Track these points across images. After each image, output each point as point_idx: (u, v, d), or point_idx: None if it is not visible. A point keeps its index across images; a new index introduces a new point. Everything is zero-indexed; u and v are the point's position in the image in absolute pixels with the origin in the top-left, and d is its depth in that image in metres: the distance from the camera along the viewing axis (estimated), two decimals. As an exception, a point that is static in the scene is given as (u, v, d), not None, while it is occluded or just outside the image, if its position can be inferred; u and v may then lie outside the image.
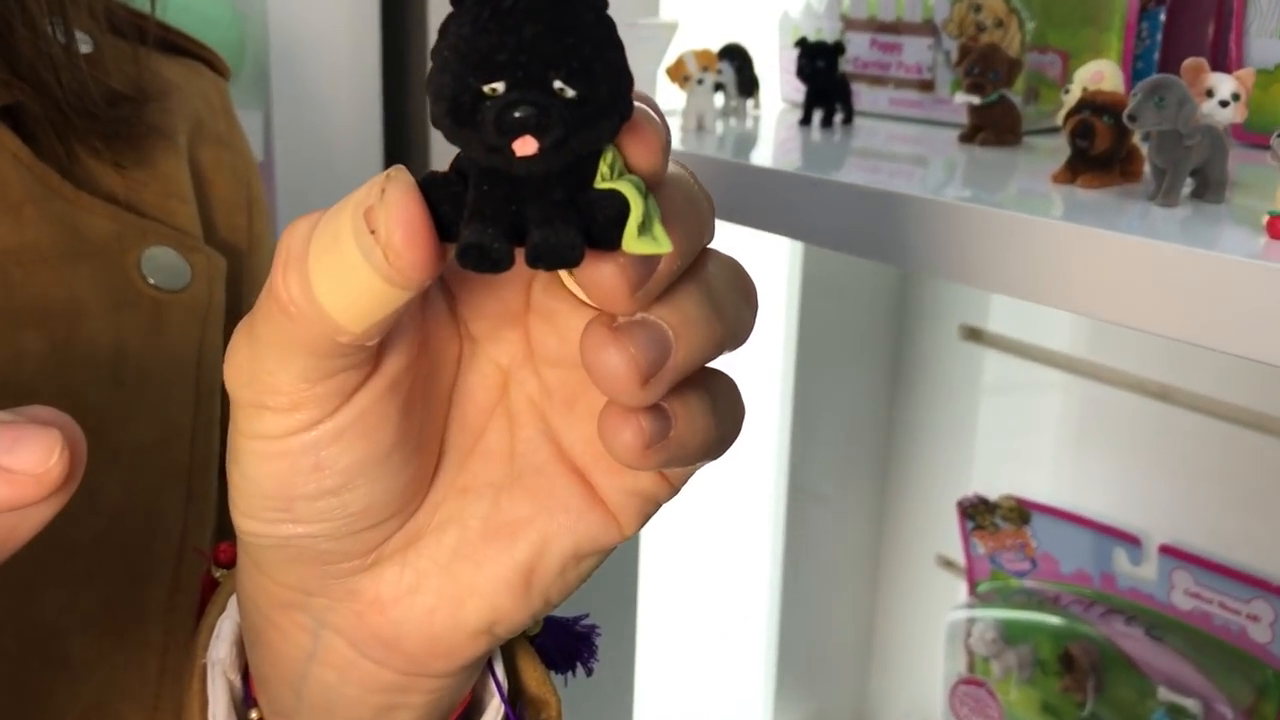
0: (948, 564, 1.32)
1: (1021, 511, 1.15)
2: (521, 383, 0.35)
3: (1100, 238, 0.58)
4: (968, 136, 0.89)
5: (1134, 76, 0.98)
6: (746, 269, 0.34)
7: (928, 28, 0.99)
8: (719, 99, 1.04)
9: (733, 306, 0.33)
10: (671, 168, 0.31)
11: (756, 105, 1.06)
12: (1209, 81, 0.70)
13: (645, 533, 1.35)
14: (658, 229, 0.27)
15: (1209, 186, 0.66)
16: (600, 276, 0.28)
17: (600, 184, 0.27)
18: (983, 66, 0.85)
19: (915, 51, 1.00)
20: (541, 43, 0.25)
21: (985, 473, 1.28)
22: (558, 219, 0.26)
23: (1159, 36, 0.97)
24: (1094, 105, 0.70)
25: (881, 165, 0.87)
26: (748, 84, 1.03)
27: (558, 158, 0.26)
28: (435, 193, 0.27)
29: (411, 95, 1.10)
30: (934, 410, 1.36)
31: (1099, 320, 0.60)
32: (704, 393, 0.32)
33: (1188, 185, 0.67)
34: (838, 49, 0.96)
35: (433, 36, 1.15)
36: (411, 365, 0.32)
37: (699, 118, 0.93)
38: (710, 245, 0.33)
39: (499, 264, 0.27)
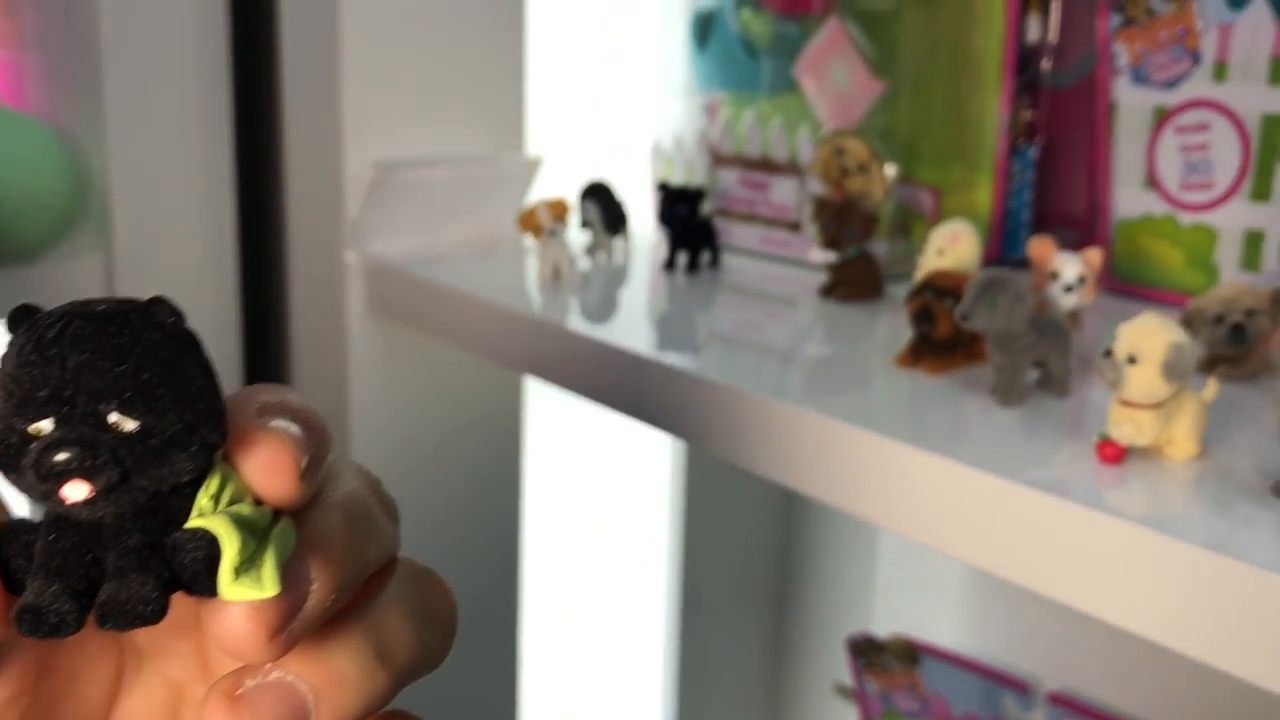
0: (846, 693, 1.28)
1: (911, 652, 1.11)
2: (198, 697, 0.30)
3: (910, 456, 0.55)
4: (827, 291, 0.85)
5: (1006, 216, 0.96)
6: (442, 583, 0.30)
7: (794, 168, 0.95)
8: (586, 236, 1.01)
9: (410, 644, 0.28)
10: (344, 483, 0.27)
11: (626, 240, 1.02)
12: (1054, 263, 0.67)
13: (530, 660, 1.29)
14: (266, 569, 0.24)
15: (1052, 381, 0.63)
16: (219, 627, 0.24)
17: (195, 520, 0.24)
18: (838, 223, 0.82)
19: (782, 191, 0.97)
20: (88, 372, 0.22)
21: (884, 606, 1.24)
22: (132, 569, 0.23)
23: (1030, 174, 0.95)
24: (935, 288, 0.67)
25: (734, 329, 0.84)
26: (614, 222, 1.00)
27: (119, 500, 0.23)
28: (8, 544, 0.24)
29: (273, 234, 1.05)
30: (831, 540, 1.32)
31: (905, 535, 0.56)
32: None
33: (1036, 370, 0.63)
34: (698, 194, 0.92)
35: (291, 171, 1.10)
36: (25, 692, 0.28)
37: (555, 268, 0.89)
38: (399, 556, 0.29)
39: (60, 628, 0.23)
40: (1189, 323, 0.67)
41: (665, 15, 1.11)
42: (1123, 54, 0.84)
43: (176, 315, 0.24)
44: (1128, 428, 0.53)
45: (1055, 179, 1.00)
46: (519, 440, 1.14)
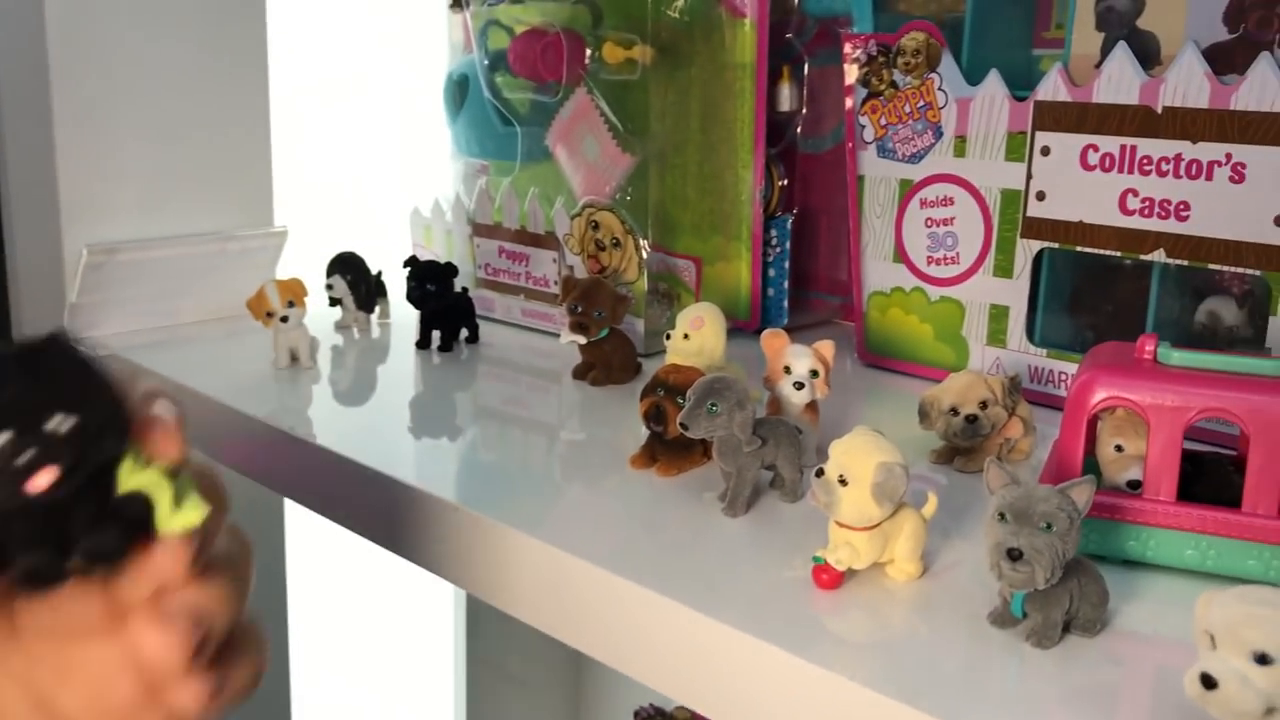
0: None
1: (696, 727, 1.08)
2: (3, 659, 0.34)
3: (608, 581, 0.51)
4: (579, 373, 0.82)
5: (765, 284, 0.94)
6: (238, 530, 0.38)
7: (551, 240, 0.92)
8: (337, 314, 0.95)
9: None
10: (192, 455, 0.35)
11: (384, 315, 0.97)
12: (786, 357, 0.65)
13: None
14: (191, 500, 0.33)
15: (783, 485, 0.60)
16: (162, 558, 0.34)
17: (123, 486, 0.32)
18: (586, 304, 0.79)
19: (541, 263, 0.93)
20: (23, 399, 0.30)
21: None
22: (96, 529, 0.32)
23: (788, 244, 0.93)
24: (667, 386, 0.63)
25: (479, 416, 0.79)
26: (366, 296, 0.94)
27: (74, 480, 0.31)
28: None
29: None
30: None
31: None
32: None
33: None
34: (449, 270, 0.87)
35: (14, 255, 1.01)
36: None
37: (291, 353, 0.83)
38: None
39: (53, 577, 0.32)
40: (924, 414, 0.66)
41: (427, 77, 1.06)
42: (869, 127, 0.83)
43: (73, 347, 0.32)
44: (844, 552, 0.50)
45: (816, 247, 0.99)
46: (281, 515, 1.07)
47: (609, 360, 0.80)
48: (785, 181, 0.94)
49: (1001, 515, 0.46)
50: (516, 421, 0.75)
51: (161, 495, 0.33)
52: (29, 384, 0.30)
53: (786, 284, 0.93)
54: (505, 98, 0.94)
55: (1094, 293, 0.78)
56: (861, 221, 0.85)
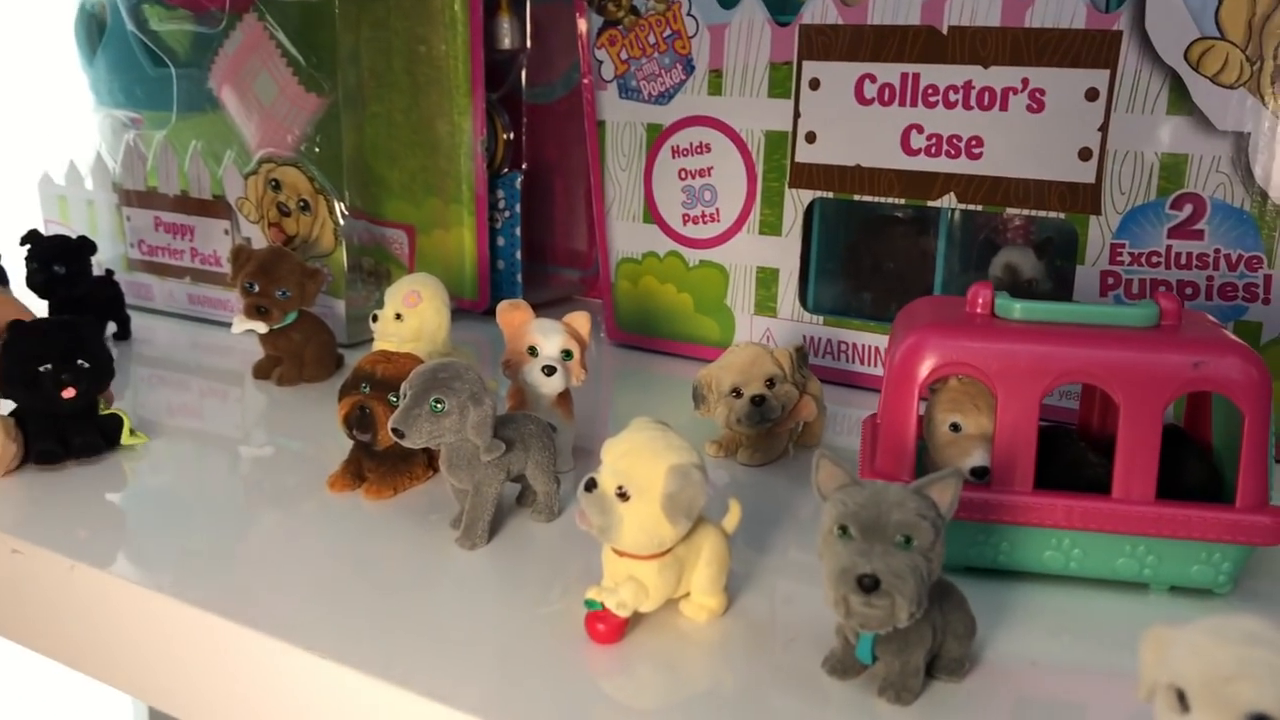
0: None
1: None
2: None
3: (293, 659, 0.36)
4: (262, 371, 0.65)
5: (493, 255, 0.79)
6: None
7: (221, 206, 0.74)
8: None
9: None
10: None
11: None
12: (531, 335, 0.50)
13: None
14: (138, 432, 0.55)
15: (534, 501, 0.46)
16: None
17: (103, 410, 0.54)
18: (265, 282, 0.62)
19: (210, 237, 0.75)
20: (69, 349, 0.51)
21: None
22: (88, 432, 0.53)
23: (518, 207, 0.79)
24: (374, 380, 0.48)
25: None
26: (-24, 285, 0.73)
27: (85, 398, 0.52)
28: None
29: None
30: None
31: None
32: None
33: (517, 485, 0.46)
34: (84, 247, 0.68)
35: None
36: None
37: None
38: None
39: (57, 459, 0.52)
40: (699, 397, 0.53)
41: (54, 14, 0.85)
42: (607, 62, 0.70)
43: (98, 332, 0.55)
44: (627, 592, 0.37)
45: (550, 214, 0.86)
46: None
47: (299, 352, 0.64)
48: (511, 135, 0.80)
49: (843, 529, 0.33)
50: (186, 436, 0.58)
51: (127, 422, 0.54)
52: (67, 342, 0.51)
53: (519, 255, 0.79)
54: (154, 30, 0.75)
55: (874, 249, 0.68)
56: (604, 176, 0.71)
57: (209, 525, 0.46)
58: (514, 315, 0.51)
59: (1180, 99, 0.54)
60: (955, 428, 0.43)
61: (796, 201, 0.65)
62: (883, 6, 0.61)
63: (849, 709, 0.34)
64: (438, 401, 0.42)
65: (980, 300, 0.43)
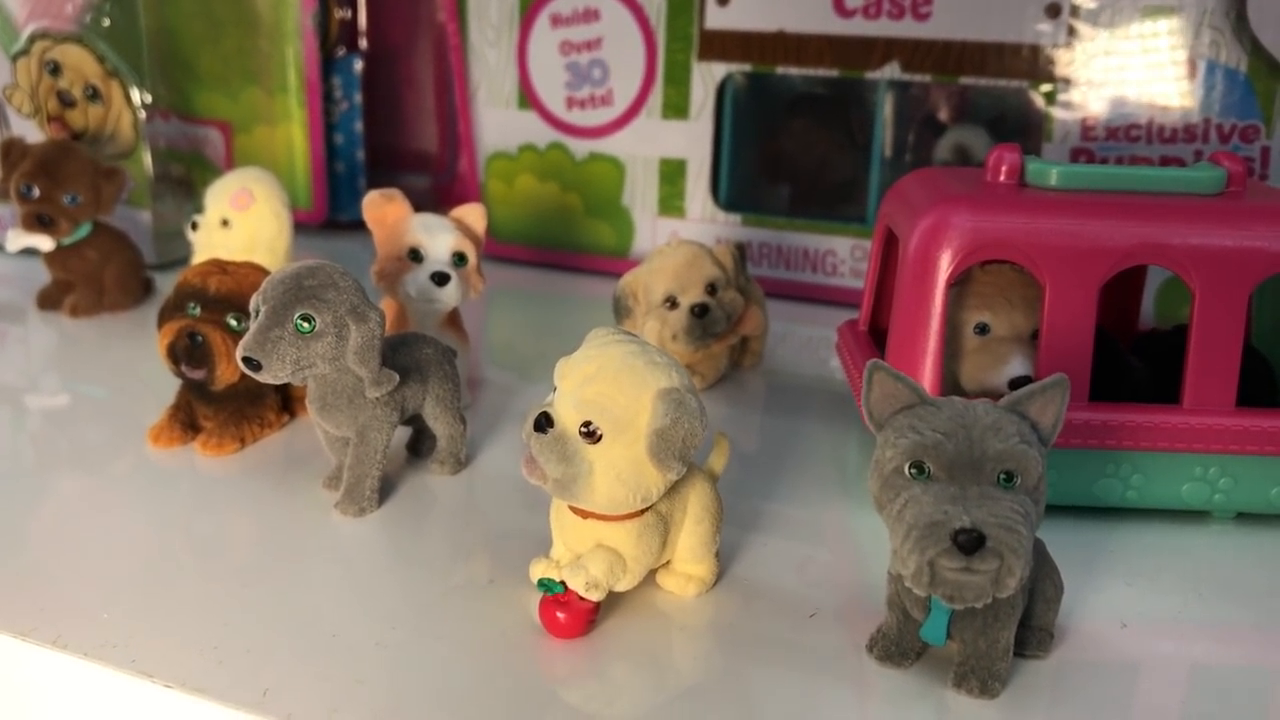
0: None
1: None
2: None
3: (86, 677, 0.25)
4: (49, 300, 0.51)
5: (331, 155, 0.67)
6: None
7: (-18, 97, 0.59)
8: None
9: None
10: None
11: None
12: (413, 234, 0.39)
13: None
14: None
15: (435, 450, 0.35)
16: None
17: None
18: (48, 186, 0.48)
19: (-30, 136, 0.60)
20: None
21: None
22: None
23: (358, 96, 0.66)
24: (205, 298, 0.36)
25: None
26: None
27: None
28: None
29: None
30: None
31: None
32: None
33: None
34: None
35: None
36: None
37: None
38: None
39: None
40: (623, 309, 0.43)
41: None
42: (469, -87, 0.57)
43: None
44: (597, 567, 0.26)
45: (396, 109, 0.73)
46: None
47: (96, 275, 0.50)
48: (348, 13, 0.66)
49: (918, 468, 0.24)
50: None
51: None
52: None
53: (360, 154, 0.67)
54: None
55: (798, 134, 0.58)
56: (467, 53, 0.60)
57: (-17, 502, 0.34)
58: (387, 210, 0.39)
59: (1165, -61, 0.46)
60: (983, 329, 0.34)
61: (706, 77, 0.55)
62: None
63: (910, 706, 0.25)
64: (305, 319, 0.30)
65: (1005, 166, 0.34)
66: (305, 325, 0.30)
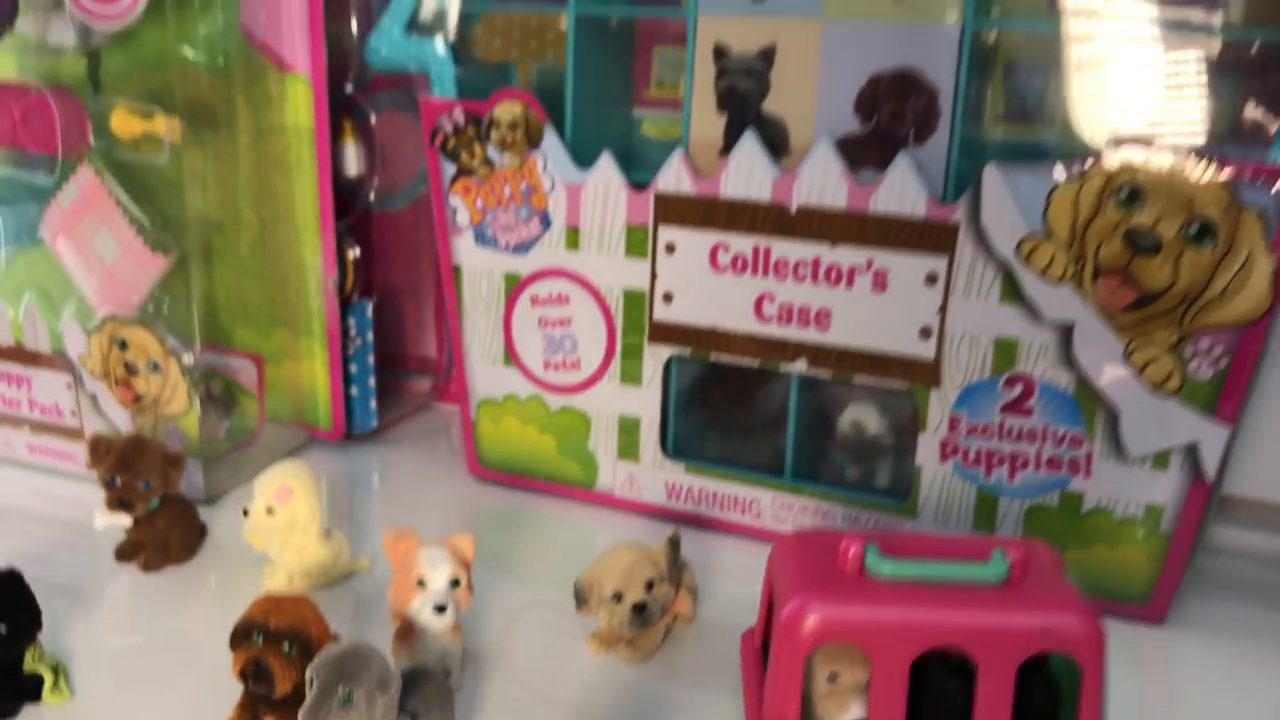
0: None
1: None
2: None
3: None
4: (126, 553, 0.64)
5: (347, 381, 0.79)
6: None
7: (62, 361, 0.71)
8: None
9: None
10: None
11: None
12: (420, 566, 0.52)
13: None
14: (63, 685, 0.52)
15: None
16: None
17: (29, 667, 0.51)
18: (126, 477, 0.61)
19: (51, 388, 0.72)
20: None
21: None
22: (6, 694, 0.51)
23: (370, 334, 0.79)
24: (267, 631, 0.48)
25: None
26: None
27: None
28: None
29: None
30: None
31: None
32: None
33: None
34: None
35: None
36: None
37: None
38: None
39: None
40: (581, 599, 0.55)
41: None
42: (462, 210, 0.70)
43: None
44: None
45: (401, 322, 0.86)
46: None
47: (164, 539, 0.63)
48: (358, 251, 0.79)
49: None
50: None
51: (48, 678, 0.52)
52: None
53: (372, 381, 0.79)
54: (-27, 170, 0.71)
55: (732, 401, 0.71)
56: (463, 319, 0.72)
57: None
58: (400, 545, 0.52)
59: (1012, 289, 0.59)
60: (833, 678, 0.46)
61: (656, 356, 0.67)
62: (734, 181, 0.63)
63: None
64: (346, 698, 0.43)
65: (851, 555, 0.46)
66: (346, 700, 0.43)
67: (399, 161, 0.81)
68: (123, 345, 0.69)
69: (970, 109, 0.61)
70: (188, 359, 0.68)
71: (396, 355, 0.87)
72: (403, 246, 0.84)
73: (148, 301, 0.68)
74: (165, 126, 0.65)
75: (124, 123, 0.66)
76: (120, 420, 0.70)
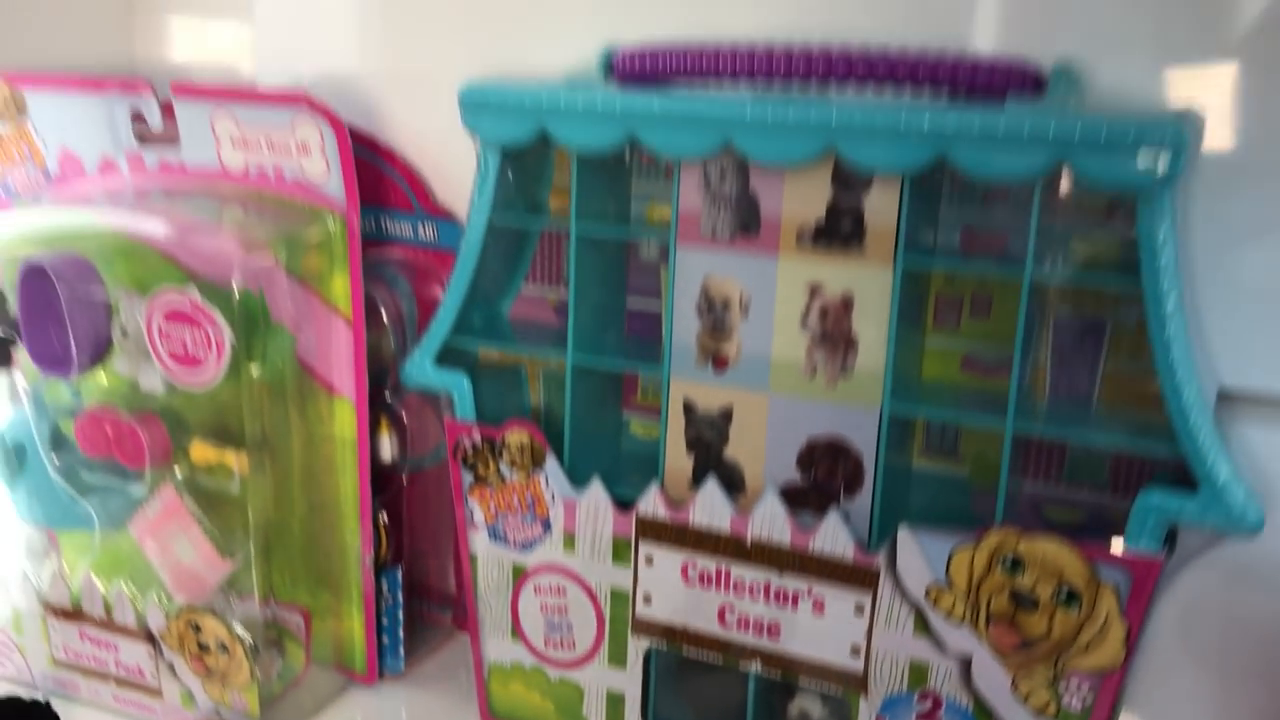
0: None
1: None
2: None
3: None
4: (201, 818, 0.78)
5: (380, 634, 0.93)
6: None
7: (145, 634, 0.85)
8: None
9: None
10: None
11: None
12: None
13: None
14: None
15: None
16: None
17: None
18: (204, 766, 0.75)
19: (133, 653, 0.87)
20: None
21: None
22: None
23: (400, 594, 0.93)
24: None
25: None
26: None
27: None
28: None
29: None
30: None
31: None
32: None
33: None
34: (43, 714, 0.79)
35: None
36: None
37: None
38: None
39: None
40: None
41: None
42: (478, 511, 0.84)
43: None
44: None
45: (426, 566, 1.00)
46: None
47: (233, 808, 0.77)
48: (387, 518, 0.93)
49: None
50: None
51: None
52: None
53: (401, 631, 0.93)
54: (77, 471, 0.86)
55: (702, 686, 0.85)
56: (478, 598, 0.86)
57: None
58: None
59: (923, 624, 0.72)
60: None
61: (637, 645, 0.81)
62: (701, 512, 0.77)
63: None
64: None
65: None
66: None
67: (424, 437, 0.95)
68: (196, 628, 0.83)
69: (896, 441, 0.75)
70: (249, 641, 0.82)
71: (422, 586, 1.01)
72: (428, 500, 0.98)
73: (218, 596, 0.82)
74: (236, 461, 0.79)
75: (201, 451, 0.80)
76: (193, 684, 0.84)
